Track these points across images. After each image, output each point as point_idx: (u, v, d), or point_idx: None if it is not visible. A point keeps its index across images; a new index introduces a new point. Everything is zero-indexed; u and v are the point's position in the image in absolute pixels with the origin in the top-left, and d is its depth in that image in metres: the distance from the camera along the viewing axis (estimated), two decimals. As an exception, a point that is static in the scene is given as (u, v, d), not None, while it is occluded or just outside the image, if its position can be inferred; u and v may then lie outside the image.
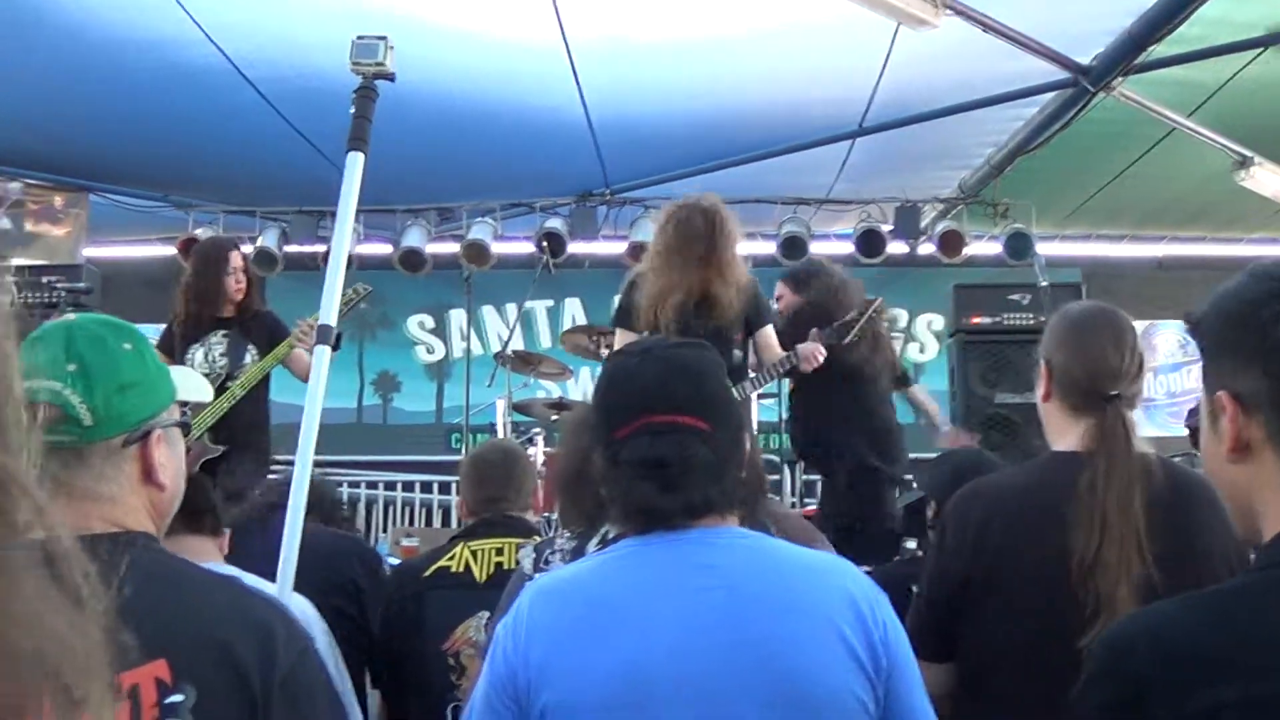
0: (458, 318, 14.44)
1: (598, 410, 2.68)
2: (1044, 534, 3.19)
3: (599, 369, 2.91)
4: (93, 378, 2.17)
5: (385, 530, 12.47)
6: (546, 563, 3.52)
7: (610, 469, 2.59)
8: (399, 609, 4.56)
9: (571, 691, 2.39)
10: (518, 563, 4.16)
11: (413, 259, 12.42)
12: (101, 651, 0.80)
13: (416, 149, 10.96)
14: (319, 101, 9.20)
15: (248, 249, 9.69)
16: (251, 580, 2.94)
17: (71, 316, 2.25)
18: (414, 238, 12.44)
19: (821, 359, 6.94)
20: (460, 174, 11.97)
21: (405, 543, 8.86)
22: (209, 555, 3.72)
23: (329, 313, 4.24)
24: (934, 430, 8.97)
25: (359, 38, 4.36)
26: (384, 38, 4.36)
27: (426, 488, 13.35)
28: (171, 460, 2.38)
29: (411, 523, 12.79)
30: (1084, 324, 3.46)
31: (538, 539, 4.25)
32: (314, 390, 4.08)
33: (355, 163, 4.29)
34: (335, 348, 4.27)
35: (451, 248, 12.58)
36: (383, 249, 12.75)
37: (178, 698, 2.04)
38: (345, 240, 4.31)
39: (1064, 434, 3.43)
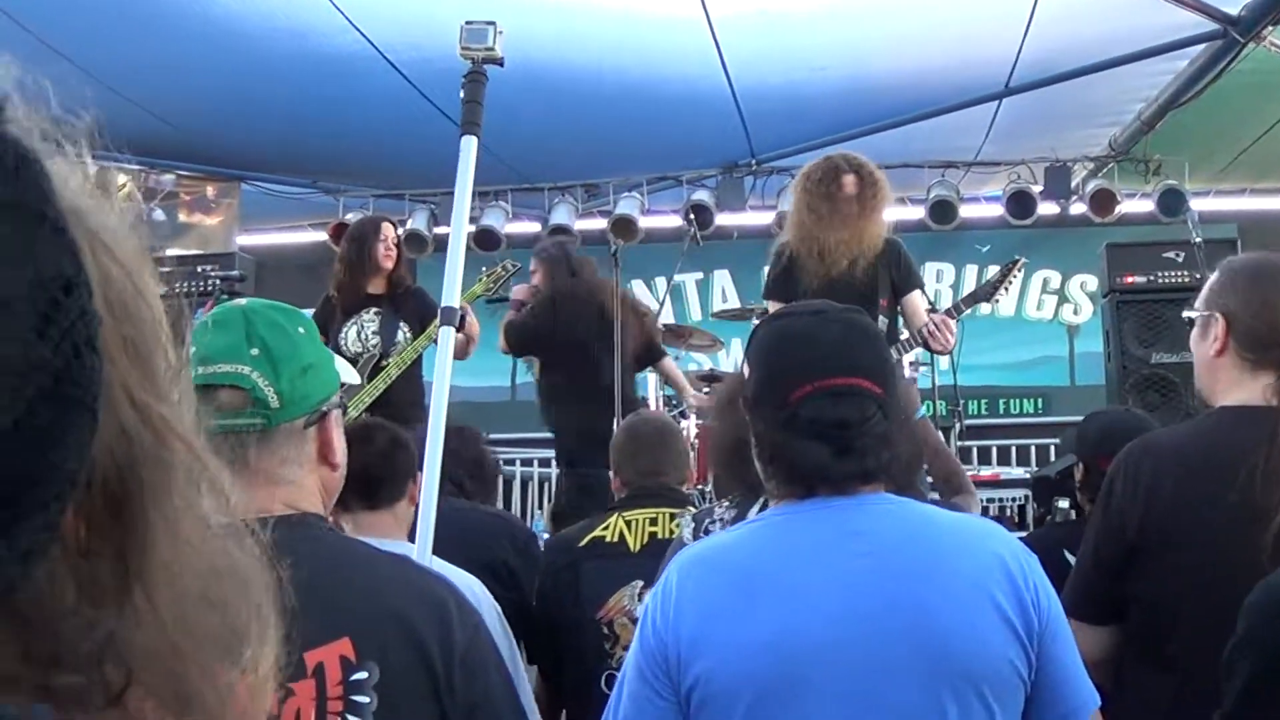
0: (607, 293, 14.38)
1: (765, 370, 2.64)
2: (1220, 490, 3.07)
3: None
4: (277, 361, 2.22)
5: (540, 506, 12.54)
6: (706, 531, 3.50)
7: (778, 430, 2.57)
8: (555, 579, 4.60)
9: (723, 662, 2.40)
10: (676, 532, 4.19)
11: (561, 235, 12.41)
12: (273, 622, 0.82)
13: (562, 127, 11.01)
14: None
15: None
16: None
17: (243, 301, 2.29)
18: (561, 215, 12.49)
19: (954, 334, 6.57)
20: (606, 150, 12.00)
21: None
22: (388, 530, 3.80)
23: (451, 295, 4.30)
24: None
25: (468, 23, 4.40)
26: (493, 23, 4.40)
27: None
28: (341, 440, 2.44)
29: (549, 499, 12.82)
30: (1264, 275, 3.34)
31: (692, 509, 4.27)
32: (441, 370, 4.14)
33: (469, 146, 4.35)
34: (459, 329, 4.32)
35: (599, 223, 12.61)
36: (531, 227, 12.81)
37: (362, 674, 2.10)
38: (463, 223, 4.37)
39: (1237, 388, 3.31)
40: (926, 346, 6.59)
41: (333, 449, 2.36)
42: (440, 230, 12.46)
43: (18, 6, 8.43)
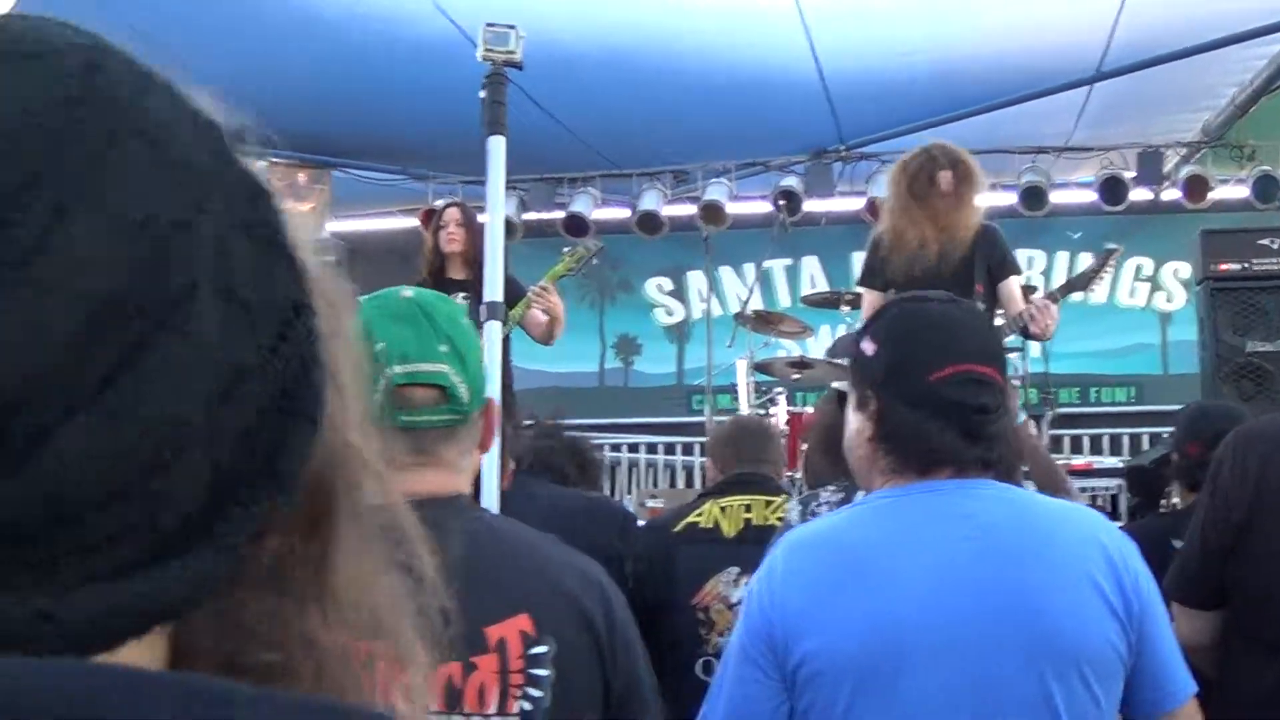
0: (695, 279, 14.48)
1: (902, 349, 2.63)
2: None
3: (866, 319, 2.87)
4: (464, 356, 2.25)
5: (629, 492, 12.59)
6: (813, 515, 3.52)
7: (911, 409, 2.56)
8: (650, 564, 4.62)
9: (828, 642, 2.41)
10: (770, 518, 4.20)
11: (650, 222, 12.49)
12: (430, 618, 0.85)
13: (651, 113, 11.01)
14: (552, 68, 9.31)
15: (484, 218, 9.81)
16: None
17: (410, 292, 2.32)
18: (650, 201, 12.48)
19: (1056, 319, 6.39)
20: (695, 136, 11.97)
21: (651, 504, 8.93)
22: None
23: (494, 289, 4.34)
24: None
25: (489, 25, 4.45)
26: (513, 27, 4.45)
27: (669, 449, 13.44)
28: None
29: (655, 484, 12.86)
30: None
31: (790, 496, 4.27)
32: (491, 362, 4.17)
33: (497, 146, 4.42)
34: (505, 322, 4.35)
35: (688, 210, 12.59)
36: (620, 213, 12.82)
37: (542, 649, 2.16)
38: (500, 220, 4.43)
39: None
40: (1025, 332, 6.49)
41: (491, 434, 2.40)
42: (529, 216, 12.52)
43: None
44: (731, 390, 10.11)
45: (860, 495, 3.34)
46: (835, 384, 3.60)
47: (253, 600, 0.73)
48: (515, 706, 2.15)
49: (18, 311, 0.62)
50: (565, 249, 7.79)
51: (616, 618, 2.33)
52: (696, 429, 12.07)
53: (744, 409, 9.65)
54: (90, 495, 0.64)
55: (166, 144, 0.70)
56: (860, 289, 6.92)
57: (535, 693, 2.14)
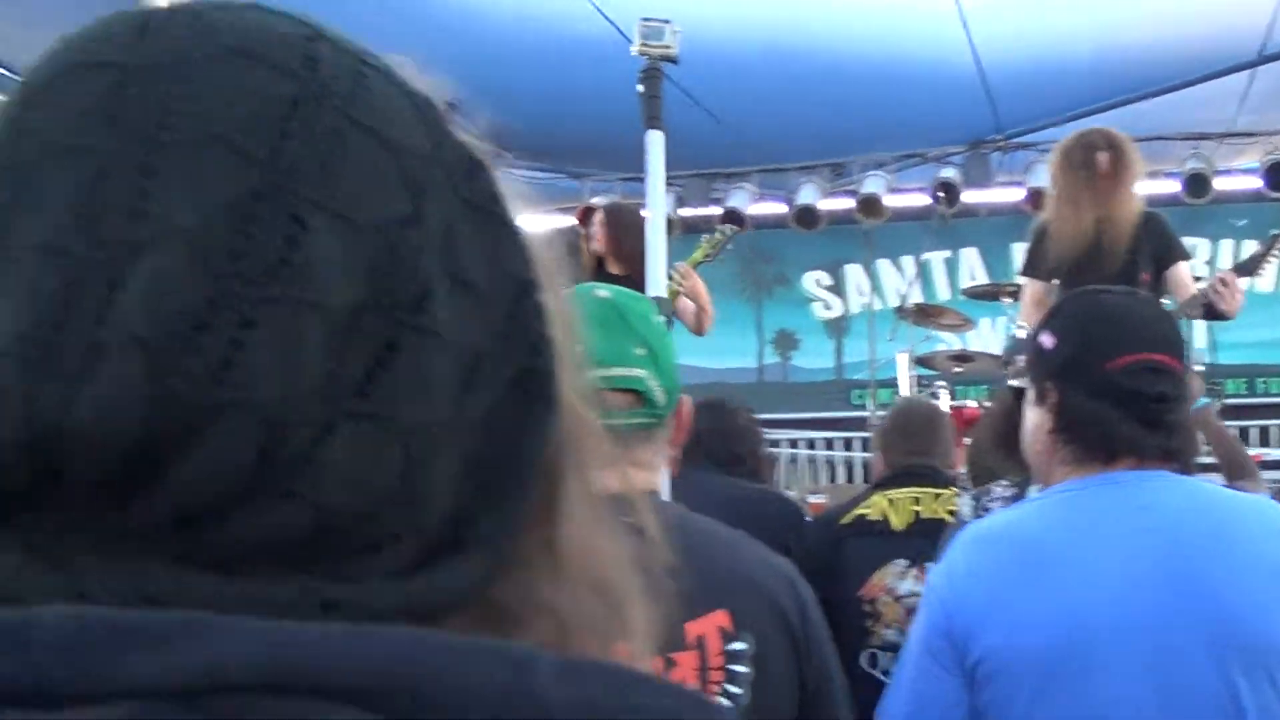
0: (853, 273, 14.42)
1: (1080, 339, 2.61)
2: None
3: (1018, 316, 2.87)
4: (660, 359, 2.25)
5: (789, 487, 12.56)
6: (985, 510, 3.51)
7: (1091, 399, 2.55)
8: (817, 556, 4.59)
9: (1011, 637, 2.40)
10: (940, 511, 4.17)
11: (807, 216, 12.45)
12: (653, 595, 0.84)
13: (806, 106, 10.96)
14: (707, 63, 9.31)
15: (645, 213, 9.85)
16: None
17: (606, 292, 2.31)
18: (807, 195, 12.45)
19: (1242, 295, 6.25)
20: (851, 129, 11.90)
21: (813, 499, 8.90)
22: None
23: (656, 285, 4.35)
24: None
25: (644, 20, 4.46)
26: (668, 21, 4.46)
27: (828, 444, 13.38)
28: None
29: (814, 480, 12.82)
30: None
31: (959, 489, 4.25)
32: None
33: (656, 141, 4.42)
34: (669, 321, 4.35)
35: (845, 203, 12.55)
36: (777, 208, 12.81)
37: (740, 645, 2.16)
38: (660, 215, 4.44)
39: None
40: (1209, 311, 6.31)
41: (684, 431, 2.40)
42: (685, 212, 12.53)
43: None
44: (892, 384, 10.02)
45: (1033, 490, 3.32)
46: (1012, 381, 3.57)
47: (507, 583, 0.73)
48: None
49: (270, 329, 0.62)
50: (703, 236, 7.79)
51: (810, 614, 2.33)
52: (855, 424, 12.01)
53: (906, 402, 9.59)
54: (356, 506, 0.65)
55: (388, 133, 0.69)
56: (1022, 279, 6.85)
57: (735, 690, 2.14)
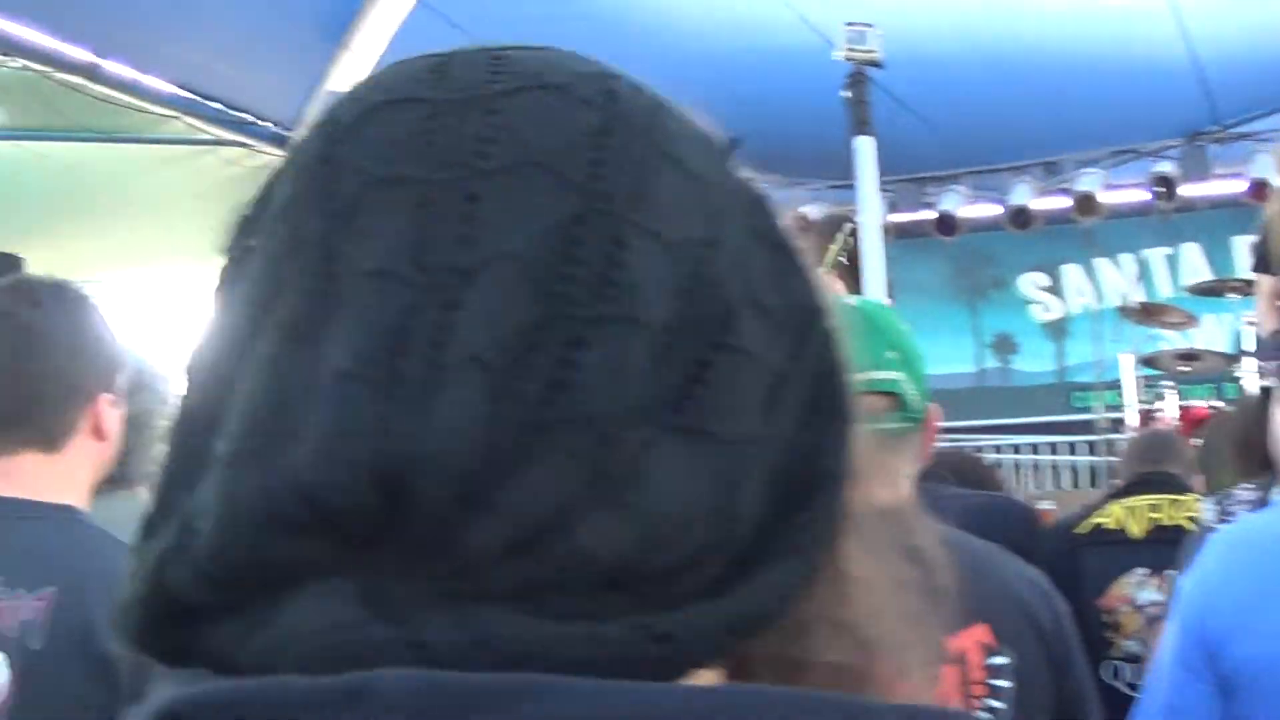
0: (1071, 273, 14.15)
1: None
2: None
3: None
4: (911, 363, 2.27)
5: (1011, 492, 12.40)
6: (1229, 514, 3.41)
7: None
8: (1053, 566, 4.50)
9: (1266, 649, 2.30)
10: (1178, 519, 4.07)
11: (1021, 217, 12.29)
12: (925, 625, 0.84)
13: (1015, 105, 10.86)
14: (911, 65, 9.24)
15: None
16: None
17: (851, 300, 2.33)
18: (1021, 195, 12.29)
19: None
20: (1062, 126, 11.72)
21: (1041, 505, 8.77)
22: None
23: (876, 291, 4.34)
24: None
25: (848, 24, 4.45)
26: (871, 25, 4.43)
27: (1052, 449, 13.20)
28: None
29: (1038, 486, 12.67)
30: None
31: (1192, 494, 4.16)
32: None
33: (865, 147, 4.42)
34: None
35: (1059, 202, 12.37)
36: (990, 209, 12.69)
37: (1002, 660, 2.16)
38: (875, 221, 4.42)
39: None
40: None
41: (932, 441, 2.39)
42: (896, 217, 12.45)
43: (452, 7, 8.85)
44: (1116, 386, 9.83)
45: (1275, 493, 3.23)
46: (1264, 381, 3.48)
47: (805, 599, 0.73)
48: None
49: (598, 347, 0.64)
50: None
51: (1064, 626, 2.33)
52: (1078, 427, 11.81)
53: (1130, 405, 9.45)
54: (680, 518, 0.65)
55: (685, 162, 0.72)
56: (1253, 275, 6.64)
57: (996, 704, 2.13)
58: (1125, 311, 9.60)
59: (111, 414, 2.60)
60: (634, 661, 0.63)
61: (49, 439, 2.51)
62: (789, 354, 0.73)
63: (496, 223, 0.65)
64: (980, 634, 2.14)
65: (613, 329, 0.65)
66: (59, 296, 2.59)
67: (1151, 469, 4.70)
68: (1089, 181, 12.04)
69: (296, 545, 0.63)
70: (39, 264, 7.35)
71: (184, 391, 0.72)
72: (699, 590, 0.66)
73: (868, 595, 0.77)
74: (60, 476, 2.52)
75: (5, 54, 9.11)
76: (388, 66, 0.75)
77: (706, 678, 0.68)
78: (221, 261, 0.74)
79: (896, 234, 12.26)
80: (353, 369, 0.63)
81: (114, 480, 2.88)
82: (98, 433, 2.57)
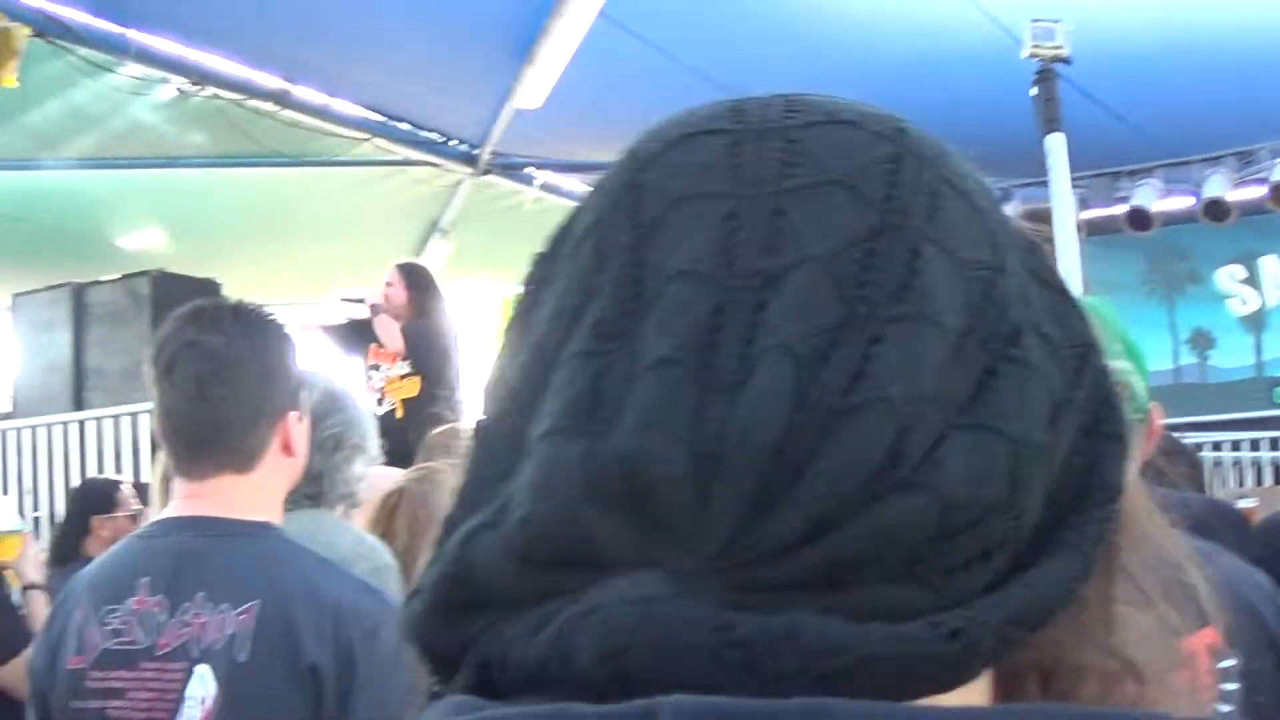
0: (1269, 264, 13.81)
1: None
2: None
3: None
4: (1136, 356, 2.25)
5: (1212, 490, 12.15)
6: None
7: None
8: (1267, 567, 4.42)
9: None
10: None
11: (1216, 209, 12.05)
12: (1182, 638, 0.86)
13: (1206, 95, 10.67)
14: (1099, 62, 9.10)
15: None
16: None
17: None
18: (1215, 186, 12.05)
19: None
20: (1256, 114, 11.45)
21: (1243, 504, 8.59)
22: None
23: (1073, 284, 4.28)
24: None
25: (1035, 21, 4.40)
26: (1059, 21, 4.37)
27: (1253, 445, 12.92)
28: None
29: (1239, 483, 12.42)
30: None
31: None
32: None
33: (1056, 144, 4.37)
34: None
35: (1255, 192, 12.12)
36: (1184, 202, 12.46)
37: (1230, 662, 2.12)
38: (1069, 218, 4.37)
39: None
40: None
41: (1155, 438, 2.38)
42: (1088, 214, 12.28)
43: (634, 18, 8.88)
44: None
45: None
46: None
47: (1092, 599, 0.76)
48: None
49: (896, 341, 0.68)
50: None
51: None
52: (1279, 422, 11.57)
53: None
54: (975, 504, 0.68)
55: (970, 195, 0.77)
56: None
57: (1226, 708, 2.09)
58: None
59: (299, 430, 2.75)
60: (930, 660, 0.65)
61: (242, 460, 2.65)
62: (1069, 383, 0.76)
63: (801, 232, 0.70)
64: (1208, 636, 2.11)
65: (910, 325, 0.68)
66: (244, 319, 2.72)
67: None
68: (1286, 169, 11.76)
69: (606, 524, 0.66)
70: (234, 287, 7.55)
71: (485, 408, 0.76)
72: (985, 585, 0.69)
73: (1131, 610, 0.79)
74: (255, 494, 2.66)
75: (197, 83, 9.38)
76: (679, 111, 0.80)
77: (978, 688, 0.70)
78: (518, 293, 0.79)
79: (1089, 231, 12.11)
80: (671, 354, 0.67)
81: (309, 499, 3.01)
82: (286, 449, 2.72)
